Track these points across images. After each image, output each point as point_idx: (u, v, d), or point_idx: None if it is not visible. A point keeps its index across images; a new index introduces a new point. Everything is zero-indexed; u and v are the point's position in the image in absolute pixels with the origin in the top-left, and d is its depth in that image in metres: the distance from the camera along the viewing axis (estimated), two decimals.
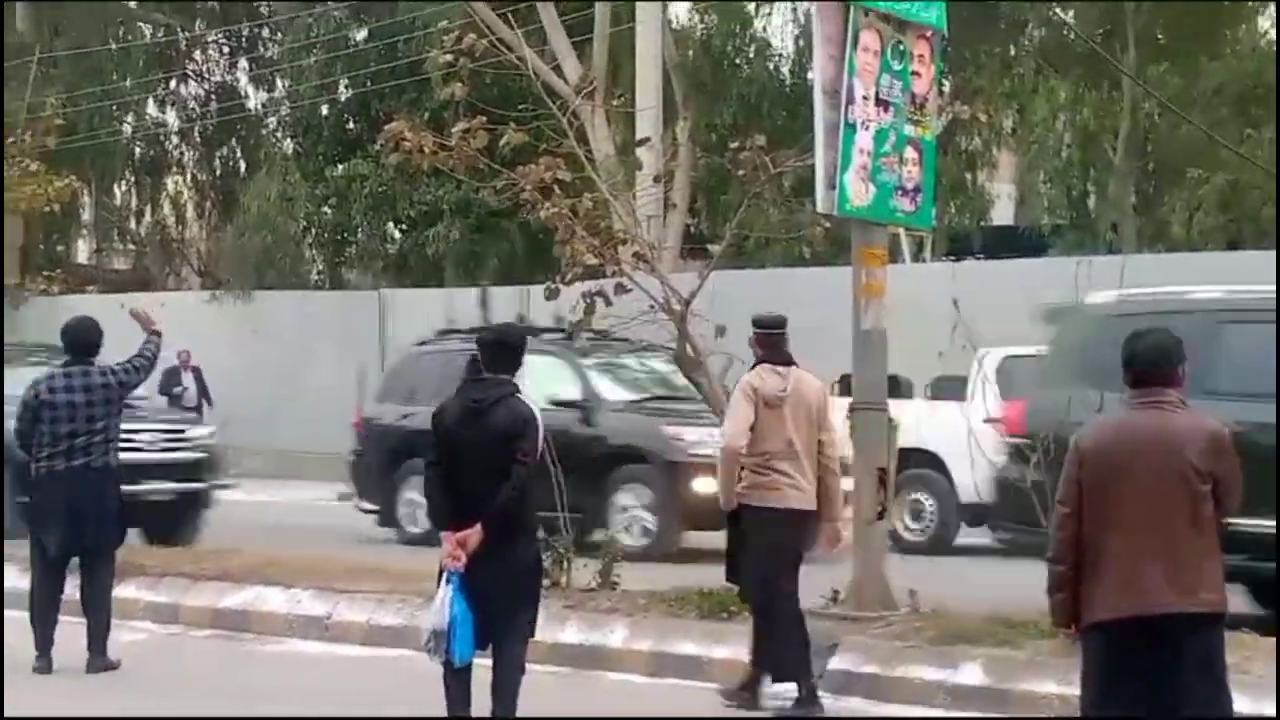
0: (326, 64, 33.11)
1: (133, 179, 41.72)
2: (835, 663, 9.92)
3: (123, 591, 11.41)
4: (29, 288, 30.84)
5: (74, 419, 10.45)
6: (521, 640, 8.15)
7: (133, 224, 42.96)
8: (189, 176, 41.75)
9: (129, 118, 38.60)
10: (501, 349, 8.29)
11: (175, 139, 41.04)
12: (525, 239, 27.64)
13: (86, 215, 41.79)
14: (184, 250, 42.24)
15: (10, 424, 10.86)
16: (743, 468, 9.43)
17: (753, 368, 9.73)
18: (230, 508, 16.99)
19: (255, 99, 39.80)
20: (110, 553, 10.76)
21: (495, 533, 7.96)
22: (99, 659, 10.50)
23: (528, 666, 8.22)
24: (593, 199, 11.61)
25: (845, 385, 12.22)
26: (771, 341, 9.74)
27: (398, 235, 33.12)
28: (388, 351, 26.68)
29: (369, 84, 32.25)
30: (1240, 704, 6.92)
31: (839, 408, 10.65)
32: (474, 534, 7.94)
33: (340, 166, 32.65)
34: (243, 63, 39.85)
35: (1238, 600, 8.62)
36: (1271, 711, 8.22)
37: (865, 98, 10.64)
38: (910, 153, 10.94)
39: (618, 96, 23.69)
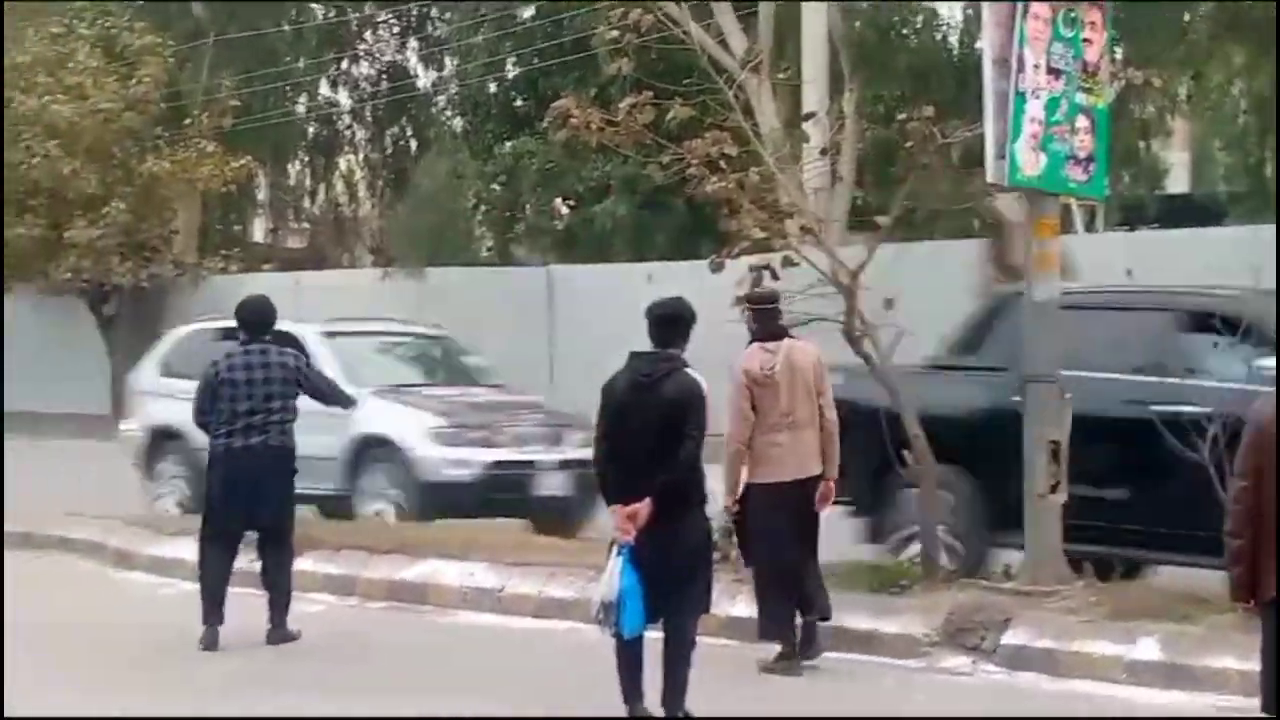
0: (494, 42, 33.38)
1: (306, 159, 42.47)
2: (1009, 637, 9.84)
3: (300, 564, 11.60)
4: (207, 266, 31.46)
5: (252, 396, 10.63)
6: (693, 613, 8.19)
7: (307, 203, 43.71)
8: (361, 155, 42.37)
9: (302, 98, 39.26)
10: (670, 322, 8.34)
11: (347, 118, 41.67)
12: (692, 214, 27.65)
13: (262, 195, 42.59)
14: (357, 228, 42.85)
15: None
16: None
17: (749, 345, 9.89)
18: None
19: (425, 78, 40.30)
20: (290, 528, 10.95)
21: (664, 506, 8.01)
22: (279, 630, 10.70)
23: (699, 640, 8.26)
24: (759, 173, 11.55)
25: None
26: (762, 317, 9.89)
27: (565, 211, 33.30)
28: (557, 327, 26.83)
29: (536, 61, 32.47)
30: None
31: None
32: (644, 507, 7.99)
33: (508, 144, 32.90)
34: (412, 42, 40.33)
35: None
36: None
37: (1036, 66, 10.50)
38: (1082, 121, 10.79)
39: (784, 70, 23.51)
